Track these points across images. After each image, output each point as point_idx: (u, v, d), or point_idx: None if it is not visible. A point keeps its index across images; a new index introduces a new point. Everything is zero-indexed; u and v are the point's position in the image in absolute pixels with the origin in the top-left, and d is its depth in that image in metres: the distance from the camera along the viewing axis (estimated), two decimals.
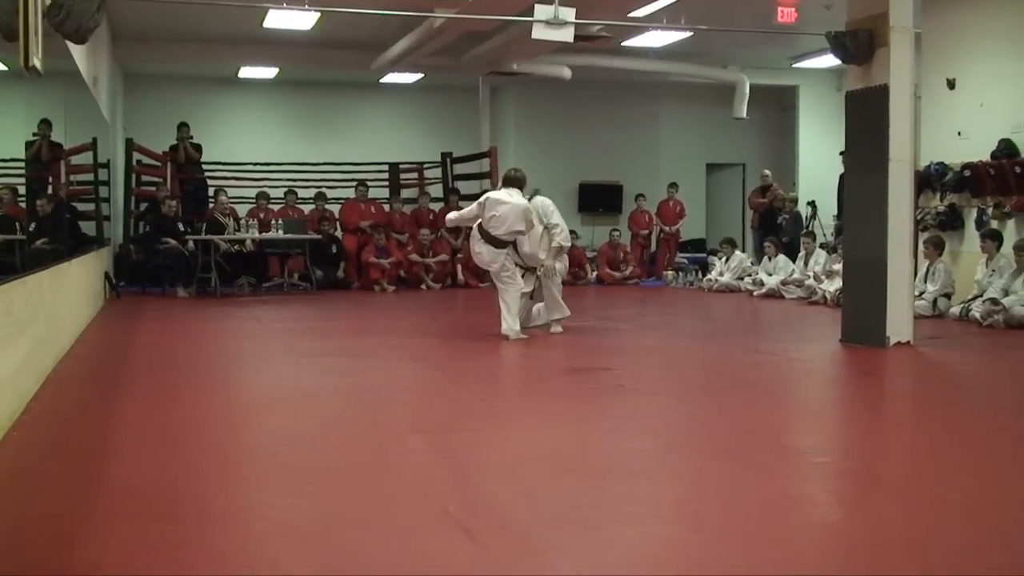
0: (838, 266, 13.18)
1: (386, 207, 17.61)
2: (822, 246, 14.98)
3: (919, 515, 3.96)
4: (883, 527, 3.75)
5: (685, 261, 18.49)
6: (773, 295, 14.60)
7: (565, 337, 9.44)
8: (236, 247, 15.45)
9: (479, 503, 4.00)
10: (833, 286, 12.78)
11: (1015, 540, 3.63)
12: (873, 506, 4.10)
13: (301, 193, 17.42)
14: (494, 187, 18.02)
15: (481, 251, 9.37)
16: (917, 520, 3.89)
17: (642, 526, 3.77)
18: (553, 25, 10.19)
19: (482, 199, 9.50)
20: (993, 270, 11.08)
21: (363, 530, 3.69)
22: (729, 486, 4.33)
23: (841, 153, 15.39)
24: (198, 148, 16.94)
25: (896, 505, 4.11)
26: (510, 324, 9.15)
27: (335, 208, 17.42)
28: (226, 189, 16.41)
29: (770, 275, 15.13)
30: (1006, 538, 3.65)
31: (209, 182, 17.16)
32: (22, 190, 7.99)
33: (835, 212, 15.97)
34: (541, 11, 10.22)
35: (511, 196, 9.33)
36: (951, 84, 12.45)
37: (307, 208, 17.25)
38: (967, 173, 12.10)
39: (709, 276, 16.56)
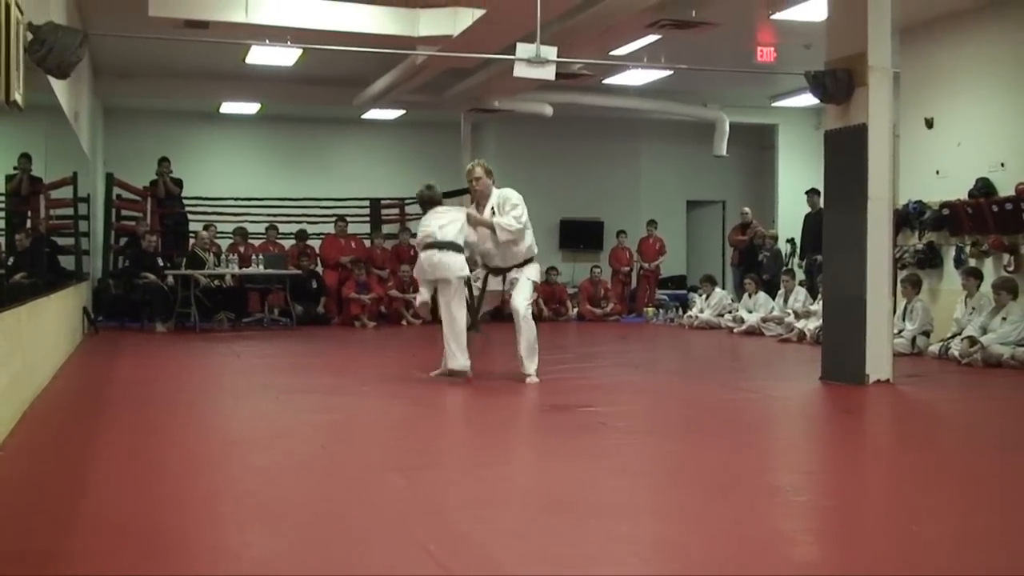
0: (814, 306, 13.27)
1: (367, 242, 17.62)
2: (801, 283, 15.04)
3: (898, 553, 3.96)
4: (862, 565, 3.75)
5: (666, 298, 18.54)
6: (753, 332, 14.64)
7: (545, 374, 9.41)
8: (216, 282, 15.40)
9: (459, 542, 3.98)
10: (812, 324, 12.82)
11: None
12: (852, 544, 4.10)
13: (283, 228, 17.42)
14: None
15: (440, 259, 8.83)
16: (895, 558, 3.88)
17: (622, 565, 3.75)
18: (535, 63, 10.23)
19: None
20: (973, 308, 11.14)
21: (342, 569, 3.66)
22: (709, 524, 4.32)
23: (807, 192, 15.63)
24: (178, 183, 16.94)
25: (875, 543, 4.10)
26: (462, 361, 8.78)
27: (316, 244, 17.42)
28: (215, 224, 16.40)
29: (750, 312, 15.17)
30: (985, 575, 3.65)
31: (190, 217, 17.15)
32: (0, 224, 7.95)
33: (803, 252, 16.08)
34: (523, 49, 10.26)
35: (435, 216, 9.17)
36: (929, 123, 12.57)
37: (288, 244, 17.24)
38: (945, 211, 12.19)
39: (690, 313, 16.60)
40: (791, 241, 17.54)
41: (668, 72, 15.11)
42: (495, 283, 9.15)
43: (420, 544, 3.89)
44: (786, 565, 3.81)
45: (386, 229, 18.54)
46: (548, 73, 10.49)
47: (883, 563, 3.81)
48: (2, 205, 7.86)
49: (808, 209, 15.82)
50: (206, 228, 16.05)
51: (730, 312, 15.79)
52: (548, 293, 17.51)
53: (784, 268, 16.12)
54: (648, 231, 19.16)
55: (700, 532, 4.19)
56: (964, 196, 11.99)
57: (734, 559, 3.80)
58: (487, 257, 9.19)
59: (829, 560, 3.95)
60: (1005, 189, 11.62)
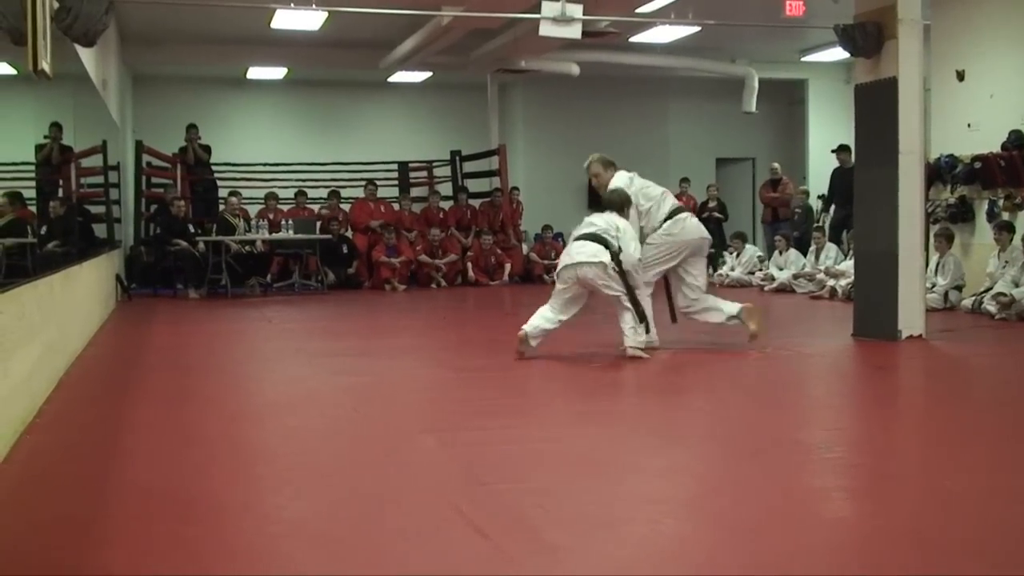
0: (842, 265, 13.23)
1: (396, 206, 17.62)
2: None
3: (931, 510, 3.95)
4: (894, 522, 3.74)
5: None
6: (784, 289, 14.58)
7: (575, 334, 9.40)
8: (247, 248, 15.46)
9: (491, 502, 4.00)
10: (844, 280, 12.77)
11: None
12: (885, 501, 4.09)
13: (311, 193, 17.44)
14: (504, 184, 18.14)
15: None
16: (929, 515, 3.88)
17: (654, 523, 3.76)
18: (560, 22, 10.19)
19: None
20: (1006, 262, 11.04)
21: (376, 529, 3.69)
22: (741, 482, 4.32)
23: (833, 151, 15.71)
24: (207, 149, 16.98)
25: (908, 500, 4.10)
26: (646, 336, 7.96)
27: (345, 207, 17.45)
28: (240, 191, 16.45)
29: (781, 269, 15.11)
30: (1018, 533, 3.63)
31: (219, 183, 17.21)
32: (33, 193, 8.01)
33: (827, 209, 16.10)
34: (548, 8, 10.22)
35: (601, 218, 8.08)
36: (960, 76, 12.41)
37: (317, 207, 17.27)
38: (977, 165, 12.06)
39: (720, 271, 16.54)
40: (822, 197, 17.43)
41: (696, 28, 15.00)
42: None
43: (453, 505, 3.91)
44: (819, 522, 3.81)
45: (414, 192, 18.54)
46: (574, 32, 10.45)
47: (916, 520, 3.80)
48: (34, 174, 7.93)
49: (837, 165, 15.84)
50: (232, 195, 16.08)
51: (761, 270, 15.73)
52: None
53: (815, 225, 16.05)
54: (682, 188, 19.04)
55: (733, 491, 4.20)
56: (996, 149, 11.86)
57: (767, 517, 3.80)
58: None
59: (862, 517, 3.94)
60: None
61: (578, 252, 7.80)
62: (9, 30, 5.59)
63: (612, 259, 7.67)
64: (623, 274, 7.70)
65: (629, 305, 7.75)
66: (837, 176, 15.73)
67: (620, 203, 8.21)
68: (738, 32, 16.03)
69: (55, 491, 4.33)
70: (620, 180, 8.58)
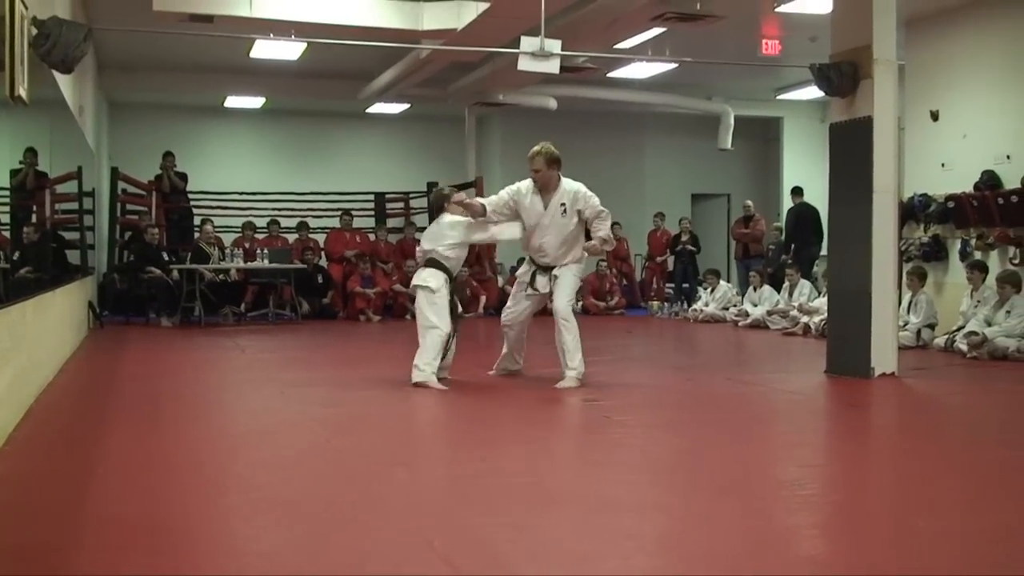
0: (816, 302, 13.31)
1: (371, 236, 17.61)
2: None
3: (904, 547, 3.95)
4: (868, 560, 3.74)
5: (670, 291, 18.52)
6: (758, 326, 14.62)
7: (551, 368, 9.40)
8: (221, 276, 15.40)
9: (463, 536, 3.98)
10: (817, 317, 12.82)
11: (1000, 573, 3.62)
12: (858, 538, 4.09)
13: (286, 223, 17.41)
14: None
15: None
16: (902, 553, 3.88)
17: (627, 559, 3.75)
18: (539, 57, 10.23)
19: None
20: (978, 301, 11.12)
21: (347, 563, 3.66)
22: (714, 518, 4.31)
23: (792, 191, 16.23)
24: (183, 177, 16.95)
25: (881, 537, 4.10)
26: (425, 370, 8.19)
27: (320, 238, 17.43)
28: (212, 219, 16.39)
29: (755, 305, 15.16)
30: (990, 571, 3.64)
31: (195, 211, 17.16)
32: (6, 219, 7.96)
33: (790, 247, 16.35)
34: (527, 43, 10.25)
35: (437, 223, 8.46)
36: (934, 116, 12.55)
37: (292, 237, 17.25)
38: (951, 204, 12.18)
39: (694, 307, 16.58)
40: None
41: (673, 65, 15.12)
42: (542, 282, 8.40)
43: (424, 538, 3.89)
44: (792, 560, 3.80)
45: (391, 223, 18.55)
46: (552, 67, 10.49)
47: (888, 558, 3.80)
48: (8, 200, 7.87)
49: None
50: (204, 223, 16.02)
51: (735, 305, 15.79)
52: None
53: (788, 262, 16.16)
54: (656, 224, 19.11)
55: (706, 527, 4.19)
56: (970, 189, 11.98)
57: (740, 554, 3.79)
58: (539, 254, 8.44)
59: (834, 555, 3.94)
60: (1011, 181, 11.61)
61: (416, 276, 8.57)
62: None
63: (447, 280, 8.36)
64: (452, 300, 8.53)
65: (426, 339, 8.31)
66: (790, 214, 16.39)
67: (437, 205, 8.62)
68: (715, 69, 16.16)
69: (23, 520, 4.28)
70: (576, 188, 8.76)
